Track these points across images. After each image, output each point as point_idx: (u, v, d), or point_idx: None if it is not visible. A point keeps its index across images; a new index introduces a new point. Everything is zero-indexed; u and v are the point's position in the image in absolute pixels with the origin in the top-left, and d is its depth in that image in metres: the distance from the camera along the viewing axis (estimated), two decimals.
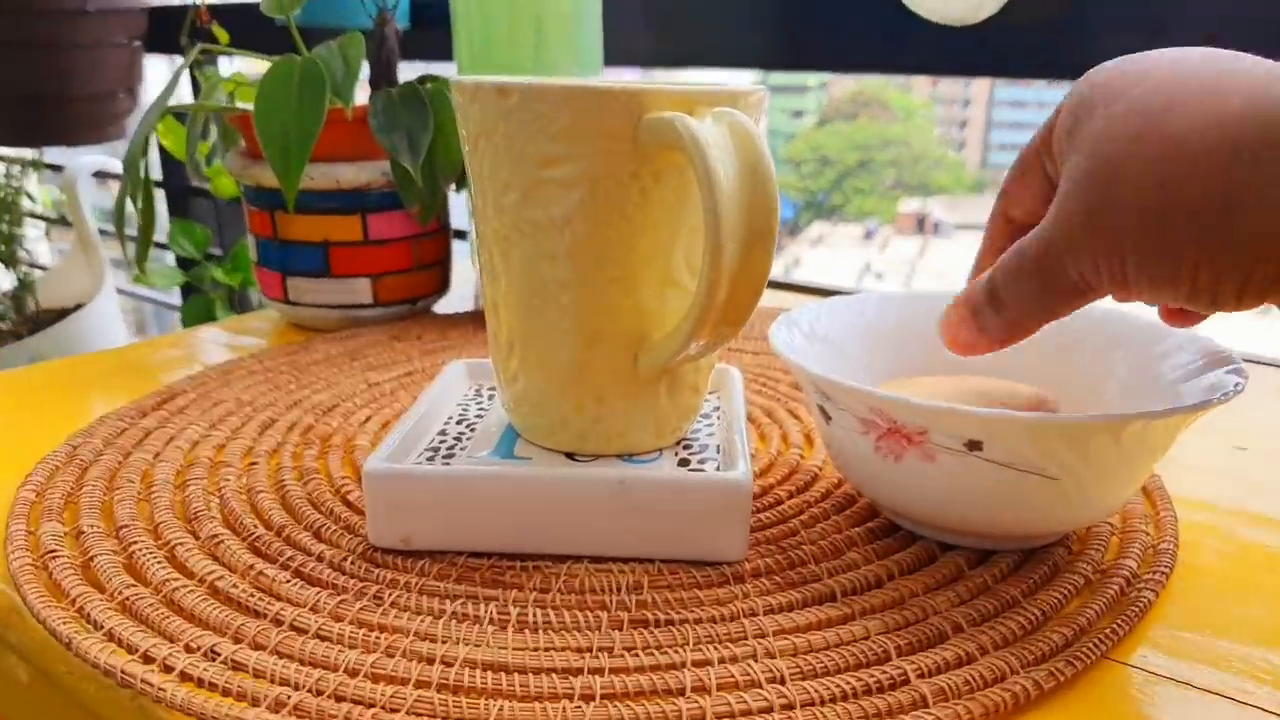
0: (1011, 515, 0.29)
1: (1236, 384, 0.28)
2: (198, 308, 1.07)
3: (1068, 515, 0.29)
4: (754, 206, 0.26)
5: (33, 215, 1.47)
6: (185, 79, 1.08)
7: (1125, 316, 0.34)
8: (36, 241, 1.42)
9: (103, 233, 1.38)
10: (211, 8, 0.95)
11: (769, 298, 0.62)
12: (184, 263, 1.12)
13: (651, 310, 0.30)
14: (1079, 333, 0.35)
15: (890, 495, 0.30)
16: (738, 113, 0.27)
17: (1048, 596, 0.28)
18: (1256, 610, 0.29)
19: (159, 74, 1.16)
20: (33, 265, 1.40)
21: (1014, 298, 0.26)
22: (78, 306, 1.34)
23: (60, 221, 1.43)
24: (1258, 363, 0.52)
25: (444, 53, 0.79)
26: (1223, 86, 0.22)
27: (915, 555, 0.30)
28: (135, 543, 0.31)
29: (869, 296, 0.38)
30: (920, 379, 0.34)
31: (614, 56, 0.72)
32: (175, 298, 1.37)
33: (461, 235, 0.81)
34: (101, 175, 1.35)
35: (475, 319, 0.58)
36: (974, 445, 0.27)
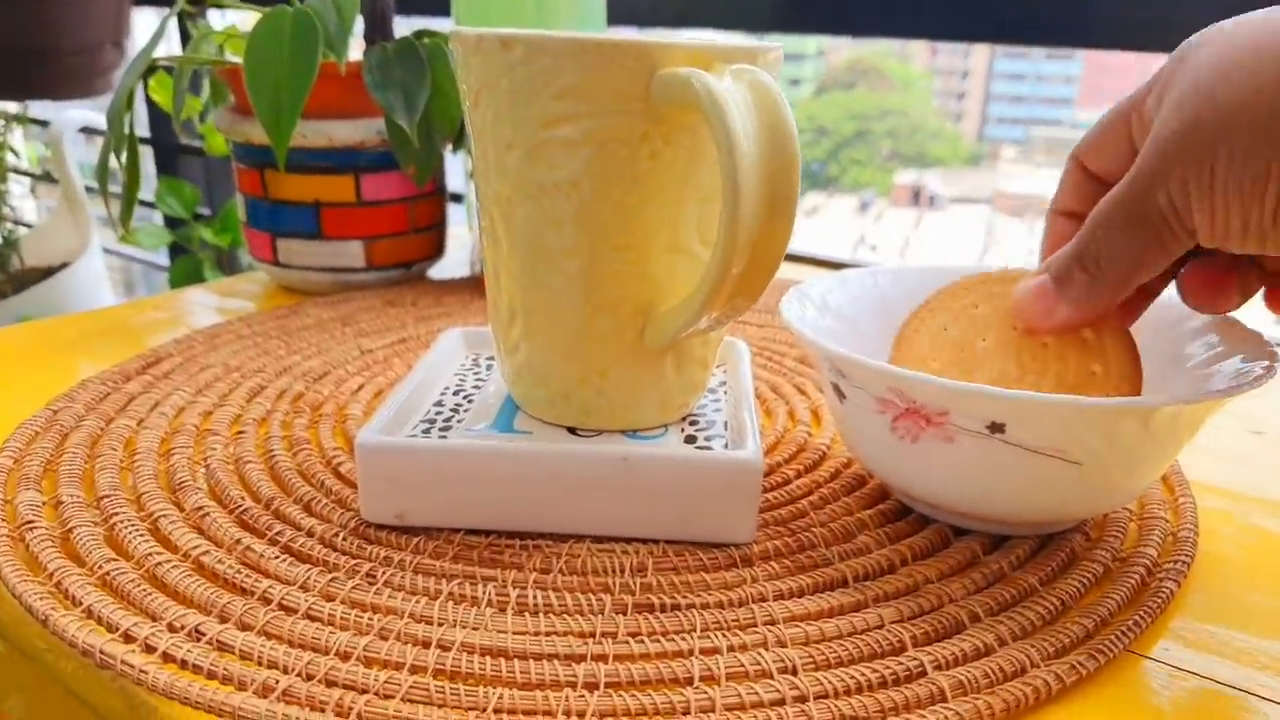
0: (1031, 500, 0.27)
1: (1267, 366, 0.27)
2: (185, 268, 1.05)
3: (1089, 501, 0.28)
4: (775, 171, 0.25)
5: (17, 171, 1.45)
6: (174, 30, 1.05)
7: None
8: (21, 199, 1.39)
9: (89, 190, 1.35)
10: None
11: None
12: (171, 222, 1.10)
13: (660, 279, 0.29)
14: None
15: (905, 477, 0.29)
16: (759, 70, 0.25)
17: (1066, 585, 0.27)
18: (1278, 601, 0.28)
19: (148, 26, 1.13)
20: (17, 223, 1.38)
21: (1103, 247, 0.26)
22: (63, 265, 1.32)
23: (46, 178, 1.40)
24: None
25: (440, 6, 0.77)
26: None
27: (929, 540, 0.29)
28: (117, 514, 0.30)
29: (882, 269, 0.36)
30: (947, 296, 0.32)
31: (613, 15, 0.70)
32: (163, 258, 1.35)
33: (458, 198, 0.79)
34: (88, 131, 1.32)
35: (472, 285, 0.57)
36: (996, 427, 0.26)
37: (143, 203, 1.18)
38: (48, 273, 1.31)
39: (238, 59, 0.52)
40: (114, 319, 0.52)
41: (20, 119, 1.26)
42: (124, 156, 0.48)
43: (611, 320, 0.29)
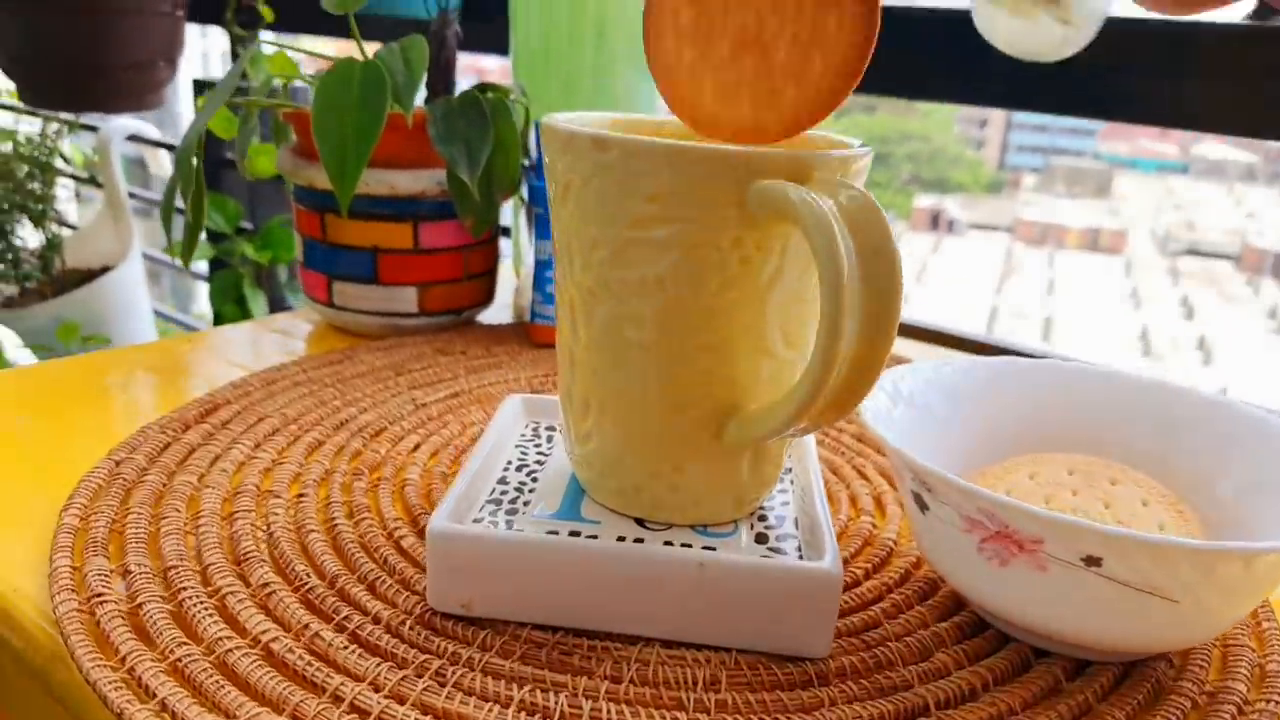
0: (1121, 632, 0.27)
1: None
2: (225, 282, 1.05)
3: (1181, 635, 0.27)
4: (877, 291, 0.24)
5: (62, 174, 1.46)
6: (219, 49, 1.06)
7: (1239, 411, 0.32)
8: (66, 201, 1.41)
9: (132, 195, 1.36)
10: None
11: None
12: (214, 236, 1.10)
13: (741, 380, 0.29)
14: (1185, 419, 0.33)
15: (989, 597, 0.29)
16: (858, 188, 0.25)
17: None
18: None
19: (200, 43, 1.14)
20: (61, 224, 1.39)
21: None
22: (104, 269, 1.33)
23: (90, 182, 1.41)
24: None
25: (496, 45, 0.77)
26: None
27: (1008, 660, 0.29)
28: (184, 588, 0.30)
29: (954, 361, 0.36)
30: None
31: None
32: (200, 267, 1.36)
33: (505, 232, 0.79)
34: (135, 139, 1.33)
35: (519, 333, 0.57)
36: (1093, 561, 0.25)
37: (179, 210, 1.19)
38: (88, 275, 1.32)
39: (302, 104, 0.52)
40: (168, 354, 0.52)
41: (70, 125, 1.27)
42: (190, 196, 0.48)
43: (689, 418, 0.29)
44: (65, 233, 1.38)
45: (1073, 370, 0.35)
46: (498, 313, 0.61)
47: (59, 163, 1.32)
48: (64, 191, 1.38)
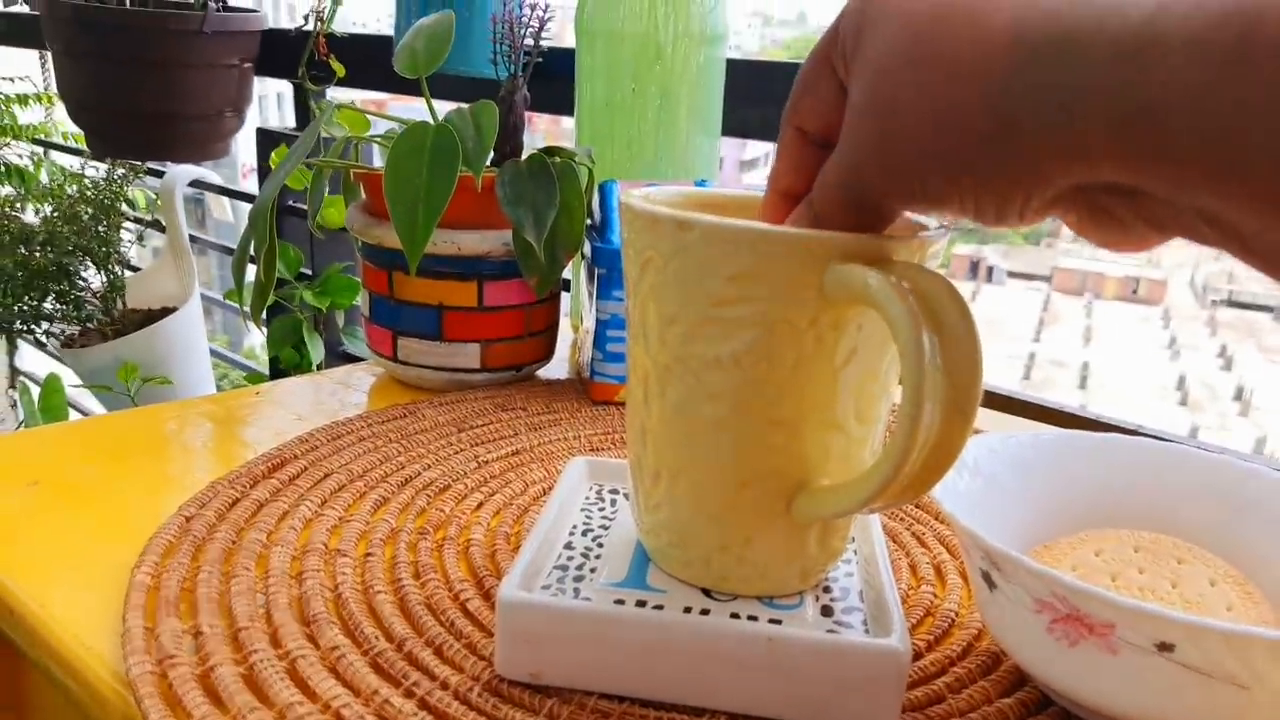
0: (1189, 716, 0.26)
1: None
2: (285, 327, 1.08)
3: (1247, 718, 0.27)
4: (958, 376, 0.24)
5: (125, 217, 1.50)
6: (281, 94, 1.09)
7: None
8: (128, 243, 1.45)
9: (193, 239, 1.40)
10: (329, 35, 0.96)
11: None
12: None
13: (813, 455, 0.29)
14: (1253, 497, 0.33)
15: (1056, 677, 0.28)
16: (933, 270, 0.25)
17: None
18: None
19: (266, 93, 1.17)
20: (124, 266, 1.43)
21: (835, 226, 0.26)
22: (163, 310, 1.36)
23: (153, 225, 1.45)
24: None
25: (560, 105, 0.78)
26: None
27: None
28: (255, 651, 0.30)
29: (1021, 433, 0.36)
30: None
31: (743, 127, 0.71)
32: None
33: (565, 286, 0.80)
34: (198, 185, 1.37)
35: (577, 389, 0.57)
36: (1165, 647, 0.25)
37: (251, 259, 1.22)
38: (148, 316, 1.36)
39: (372, 165, 0.54)
40: (233, 406, 0.53)
41: (135, 170, 1.31)
42: (263, 255, 0.49)
43: (760, 492, 0.29)
44: (127, 274, 1.42)
45: (1140, 446, 0.35)
46: (555, 367, 0.62)
47: (123, 206, 1.36)
48: (126, 234, 1.41)
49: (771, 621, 0.29)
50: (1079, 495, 0.34)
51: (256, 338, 1.24)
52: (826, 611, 0.31)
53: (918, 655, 0.33)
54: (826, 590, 0.32)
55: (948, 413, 0.24)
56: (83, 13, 1.00)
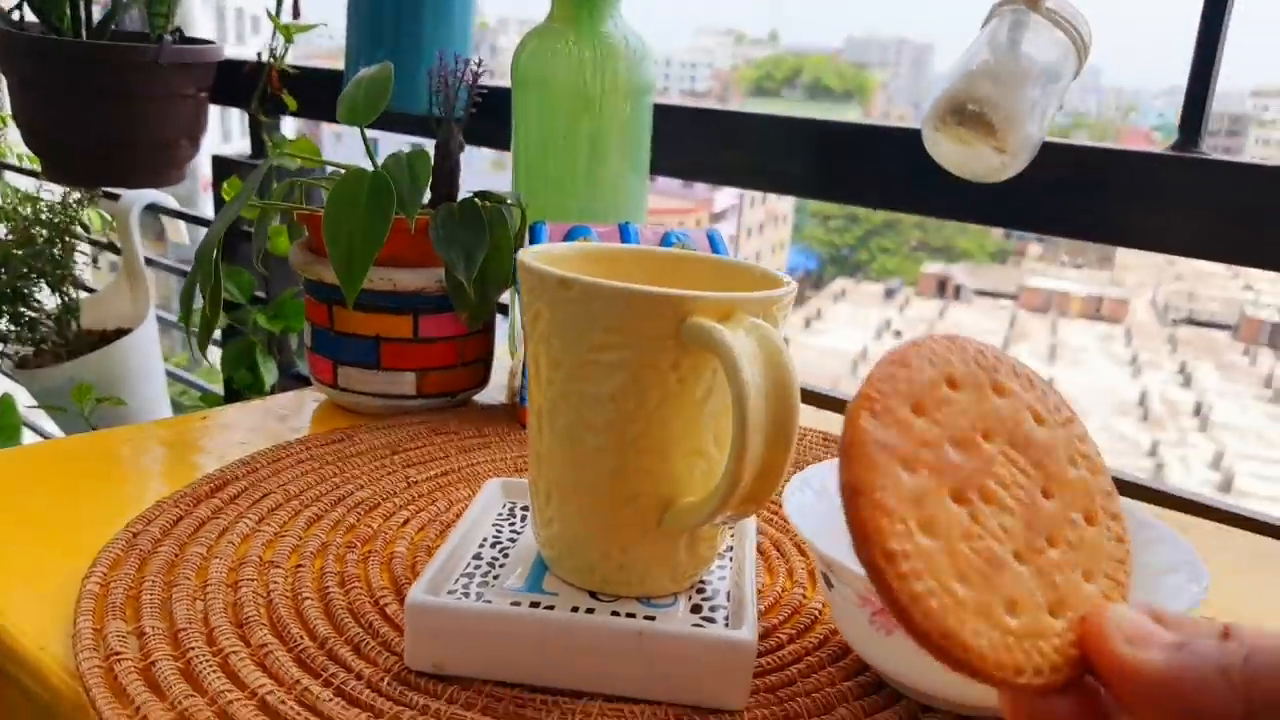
0: (984, 692, 0.31)
1: (1190, 603, 0.31)
2: (238, 350, 1.11)
3: None
4: (778, 411, 0.29)
5: (80, 239, 1.53)
6: (237, 119, 1.13)
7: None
8: (83, 265, 1.47)
9: (149, 262, 1.43)
10: (281, 71, 1.00)
11: None
12: (228, 305, 1.16)
13: (680, 477, 0.34)
14: None
15: (880, 660, 0.33)
16: (767, 327, 0.30)
17: None
18: None
19: (220, 122, 1.20)
20: (78, 287, 1.45)
21: None
22: (118, 331, 1.39)
23: (108, 247, 1.48)
24: (1235, 523, 0.54)
25: (500, 140, 0.83)
26: None
27: (898, 715, 0.33)
28: (192, 649, 0.34)
29: None
30: None
31: (671, 168, 0.76)
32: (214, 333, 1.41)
33: (504, 310, 0.84)
34: (154, 208, 1.40)
35: (509, 414, 0.62)
36: None
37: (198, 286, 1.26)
38: (102, 337, 1.38)
39: (315, 184, 0.58)
40: (182, 431, 0.57)
41: (92, 196, 1.33)
42: (208, 292, 0.53)
43: (636, 508, 0.34)
44: (82, 295, 1.44)
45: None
46: (494, 392, 0.67)
47: (78, 228, 1.38)
48: (81, 256, 1.44)
49: (646, 619, 0.34)
50: None
51: (214, 355, 1.26)
52: (696, 609, 0.35)
53: (779, 646, 0.38)
54: (700, 591, 0.37)
55: (771, 441, 0.29)
56: (39, 44, 1.04)
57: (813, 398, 0.70)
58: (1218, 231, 0.57)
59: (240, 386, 1.12)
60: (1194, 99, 0.56)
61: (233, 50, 1.14)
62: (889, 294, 25.18)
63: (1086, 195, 0.60)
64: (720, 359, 0.29)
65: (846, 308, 24.13)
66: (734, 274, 0.37)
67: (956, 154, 0.57)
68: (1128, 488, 0.60)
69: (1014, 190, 0.58)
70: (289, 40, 0.98)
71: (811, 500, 0.38)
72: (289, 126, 1.20)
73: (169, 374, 1.44)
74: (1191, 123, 0.56)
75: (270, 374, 1.12)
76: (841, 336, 21.73)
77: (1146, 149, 0.59)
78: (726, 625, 0.34)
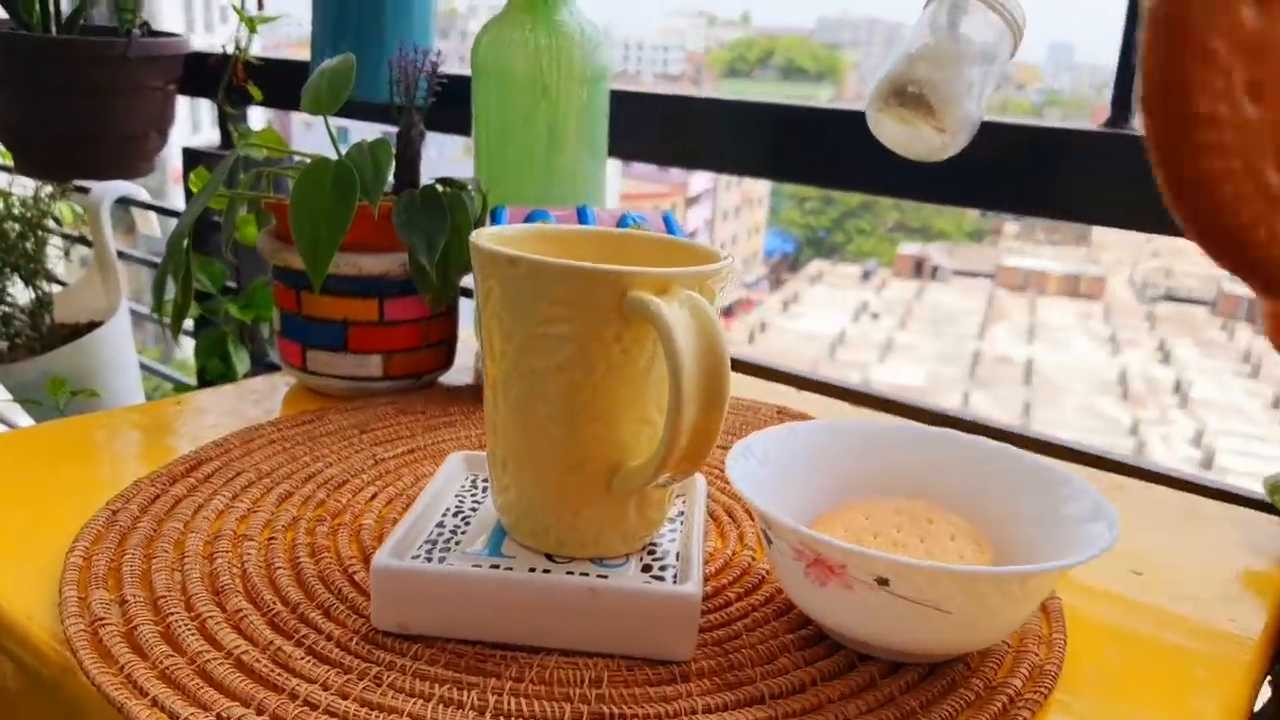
0: (914, 639, 0.34)
1: (1103, 546, 0.34)
2: (210, 340, 1.12)
3: (962, 641, 0.34)
4: (710, 377, 0.32)
5: (52, 233, 1.53)
6: (206, 108, 1.14)
7: (1031, 462, 0.40)
8: (55, 259, 1.47)
9: (121, 255, 1.43)
10: (246, 62, 1.02)
11: (743, 385, 0.68)
12: (200, 296, 1.17)
13: (627, 443, 0.36)
14: (993, 470, 0.41)
15: (817, 612, 0.36)
16: (700, 298, 0.32)
17: (941, 709, 0.34)
18: None
19: (190, 112, 1.21)
20: (51, 281, 1.46)
21: None
22: (90, 324, 1.40)
23: (80, 240, 1.48)
24: (1166, 482, 0.57)
25: (462, 127, 0.85)
26: None
27: (836, 664, 0.36)
28: (171, 614, 0.36)
29: (817, 425, 0.43)
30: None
31: (627, 151, 0.78)
32: (186, 323, 1.42)
33: (468, 293, 0.86)
34: (125, 201, 1.41)
35: (474, 394, 0.64)
36: (883, 581, 0.32)
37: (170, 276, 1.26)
38: (75, 331, 1.39)
39: (282, 173, 0.60)
40: (157, 415, 0.59)
41: (64, 189, 1.34)
42: (180, 278, 0.55)
43: (585, 473, 0.36)
44: (55, 289, 1.44)
45: (906, 429, 0.43)
46: (460, 375, 0.69)
47: (50, 222, 1.39)
48: (53, 250, 1.44)
49: (599, 577, 0.36)
50: (856, 472, 0.41)
51: (187, 349, 1.27)
52: (647, 569, 0.38)
53: (727, 604, 0.40)
54: (651, 552, 0.39)
55: (705, 405, 0.32)
56: (9, 40, 1.04)
57: (776, 376, 0.73)
58: (1151, 204, 0.59)
59: (213, 376, 1.14)
60: (1123, 77, 0.59)
61: (202, 39, 1.15)
62: (866, 276, 25.28)
63: (1027, 172, 0.63)
64: (657, 329, 0.32)
65: (824, 290, 24.22)
66: (676, 251, 0.39)
67: (899, 135, 0.60)
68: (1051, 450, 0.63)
69: (957, 168, 0.61)
70: (253, 31, 0.99)
71: (754, 467, 0.40)
72: (258, 116, 1.22)
73: (142, 366, 1.45)
74: (1122, 100, 0.59)
75: (243, 363, 1.13)
76: (819, 319, 21.80)
77: (1082, 127, 0.62)
78: (675, 582, 0.37)
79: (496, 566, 0.37)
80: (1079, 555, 0.33)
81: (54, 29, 1.08)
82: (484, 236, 0.37)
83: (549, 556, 0.38)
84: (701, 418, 0.32)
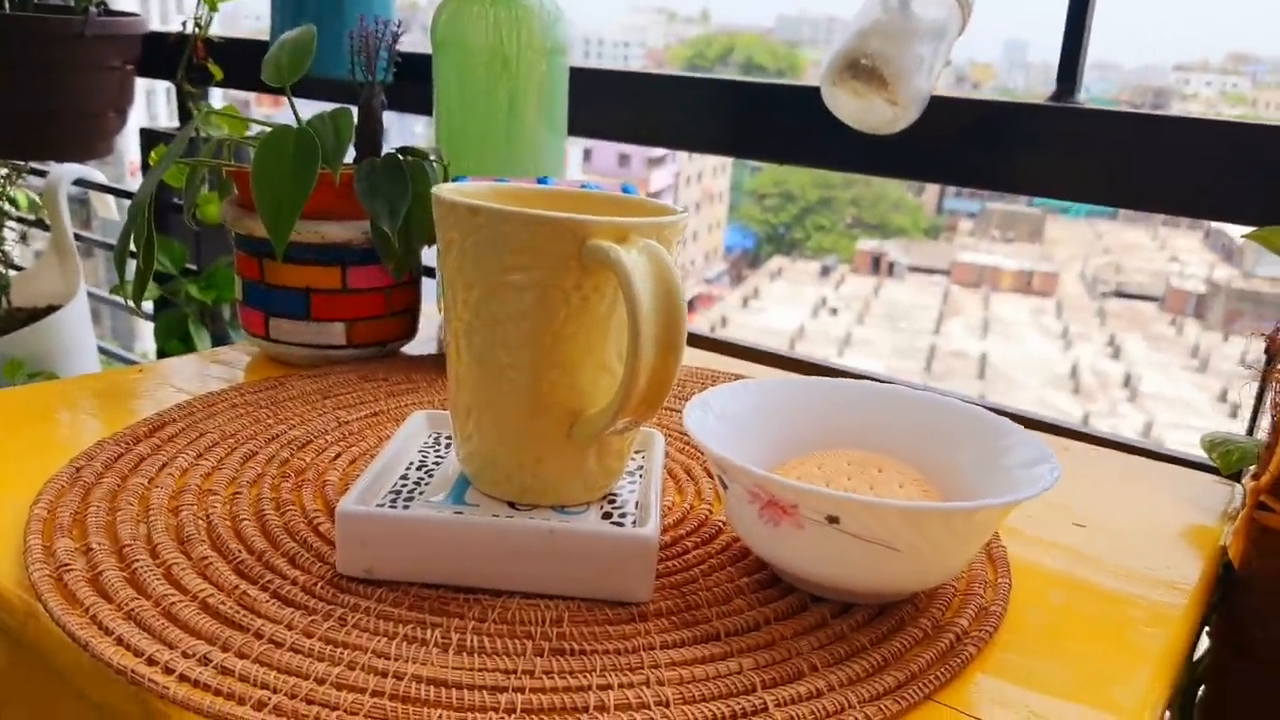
0: (863, 577, 0.35)
1: (1045, 485, 0.35)
2: (171, 321, 1.11)
3: (911, 579, 0.36)
4: (667, 321, 0.33)
5: (9, 217, 1.51)
6: (163, 99, 1.13)
7: (972, 413, 0.42)
8: (11, 243, 1.45)
9: (78, 237, 1.41)
10: (206, 40, 1.01)
11: (703, 358, 0.69)
12: (160, 277, 1.16)
13: (586, 390, 0.37)
14: (938, 421, 0.42)
15: (770, 553, 0.37)
16: (658, 245, 0.33)
17: (890, 646, 0.35)
18: (1066, 672, 0.36)
19: (149, 94, 1.20)
20: (7, 265, 1.44)
21: None
22: (49, 308, 1.38)
23: (38, 224, 1.46)
24: (1111, 446, 0.59)
25: (424, 106, 0.85)
26: None
27: (789, 605, 0.37)
28: (137, 561, 0.37)
29: (770, 382, 0.44)
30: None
31: (587, 128, 0.79)
32: (146, 306, 1.41)
33: (431, 272, 0.87)
34: (82, 183, 1.39)
35: (438, 362, 0.64)
36: (834, 519, 0.34)
37: (132, 254, 1.25)
38: (33, 315, 1.37)
39: (244, 164, 0.60)
40: (121, 382, 0.59)
41: (19, 170, 1.32)
42: (142, 246, 0.55)
43: (547, 421, 0.37)
44: (11, 273, 1.42)
45: (855, 386, 0.44)
46: (423, 345, 0.69)
47: (5, 205, 1.37)
48: (9, 233, 1.42)
49: (559, 523, 0.37)
50: (809, 427, 0.43)
51: (148, 342, 1.26)
52: (606, 516, 0.39)
53: (685, 552, 0.41)
54: (611, 501, 0.40)
55: (662, 349, 0.33)
56: None
57: (738, 352, 0.74)
58: (1093, 175, 0.61)
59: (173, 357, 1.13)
60: (1069, 53, 0.61)
61: (158, 28, 1.14)
62: (825, 271, 25.47)
63: (975, 146, 0.65)
64: (616, 275, 0.33)
65: (783, 286, 24.37)
66: (632, 206, 0.40)
67: (853, 108, 0.61)
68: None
69: (908, 143, 0.62)
70: (214, 9, 0.99)
71: (711, 421, 0.41)
72: (217, 99, 1.21)
73: (101, 350, 1.43)
74: (1067, 73, 0.61)
75: (204, 344, 1.13)
76: (779, 315, 21.95)
77: (1030, 101, 0.64)
78: (634, 527, 0.38)
79: (460, 513, 0.38)
80: (1023, 494, 0.35)
81: (8, 5, 1.06)
82: (446, 189, 0.37)
83: (511, 505, 0.39)
84: (659, 361, 0.33)
